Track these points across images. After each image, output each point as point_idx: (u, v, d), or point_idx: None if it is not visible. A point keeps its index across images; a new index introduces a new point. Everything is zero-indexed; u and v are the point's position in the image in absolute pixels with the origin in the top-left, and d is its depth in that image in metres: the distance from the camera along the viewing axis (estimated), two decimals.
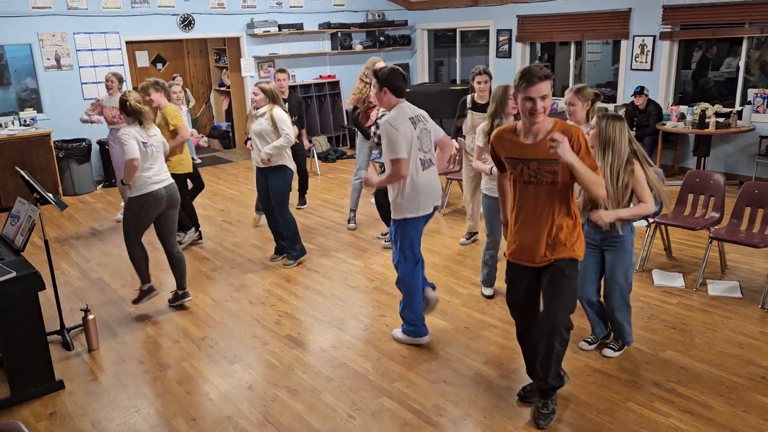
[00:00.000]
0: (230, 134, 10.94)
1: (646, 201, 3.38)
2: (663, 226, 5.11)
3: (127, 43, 8.88)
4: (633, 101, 7.56)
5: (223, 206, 7.33)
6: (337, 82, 10.46)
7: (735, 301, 4.35)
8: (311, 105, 10.25)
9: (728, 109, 7.25)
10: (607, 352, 3.70)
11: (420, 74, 11.38)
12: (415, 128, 3.59)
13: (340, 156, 9.87)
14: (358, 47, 10.66)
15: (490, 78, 5.28)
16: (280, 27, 9.74)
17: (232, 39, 9.92)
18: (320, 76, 10.42)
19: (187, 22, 9.11)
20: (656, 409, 3.17)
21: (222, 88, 11.18)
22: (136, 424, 3.22)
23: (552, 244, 2.89)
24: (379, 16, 10.81)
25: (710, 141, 7.41)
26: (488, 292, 4.57)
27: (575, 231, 2.92)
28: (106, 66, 8.59)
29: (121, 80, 6.66)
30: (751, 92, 7.30)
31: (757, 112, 7.17)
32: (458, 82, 10.36)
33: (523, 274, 3.03)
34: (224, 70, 10.95)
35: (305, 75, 10.31)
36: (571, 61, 9.35)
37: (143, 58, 10.70)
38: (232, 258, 5.62)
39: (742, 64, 7.47)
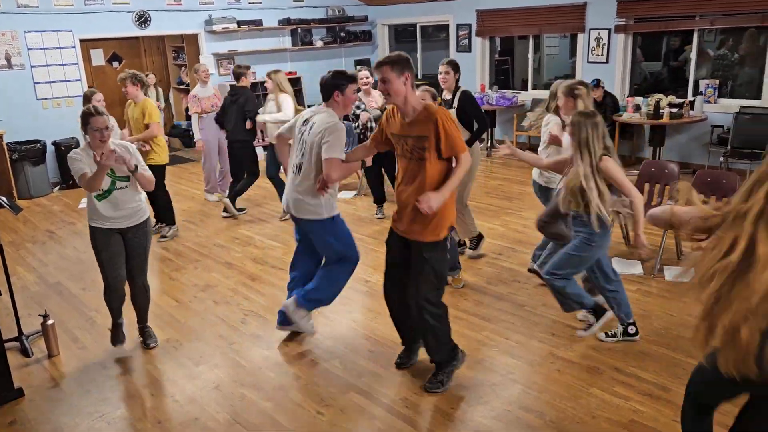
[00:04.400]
0: (191, 133, 10.76)
1: (631, 193, 3.37)
2: (621, 215, 5.23)
3: (81, 41, 8.67)
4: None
5: (185, 206, 7.22)
6: (299, 79, 10.39)
7: (690, 285, 4.48)
8: None
9: (681, 100, 7.46)
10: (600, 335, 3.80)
11: None
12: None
13: None
14: (319, 43, 10.61)
15: (454, 70, 5.02)
16: (239, 23, 9.63)
17: (190, 36, 9.77)
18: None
19: (143, 20, 8.94)
20: (617, 393, 3.26)
21: (181, 87, 10.99)
22: (100, 429, 3.17)
23: (412, 220, 3.14)
24: (339, 11, 10.78)
25: (665, 131, 7.62)
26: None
27: (452, 212, 3.15)
28: (60, 65, 8.37)
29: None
30: (702, 83, 7.53)
31: (708, 102, 7.40)
32: (420, 77, 10.41)
33: (394, 237, 3.33)
34: (183, 68, 10.77)
35: (264, 73, 10.19)
36: (530, 55, 9.49)
37: (98, 57, 10.44)
38: (196, 258, 5.55)
39: (693, 55, 7.69)
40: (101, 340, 4.10)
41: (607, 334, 3.78)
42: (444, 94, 5.14)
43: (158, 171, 5.50)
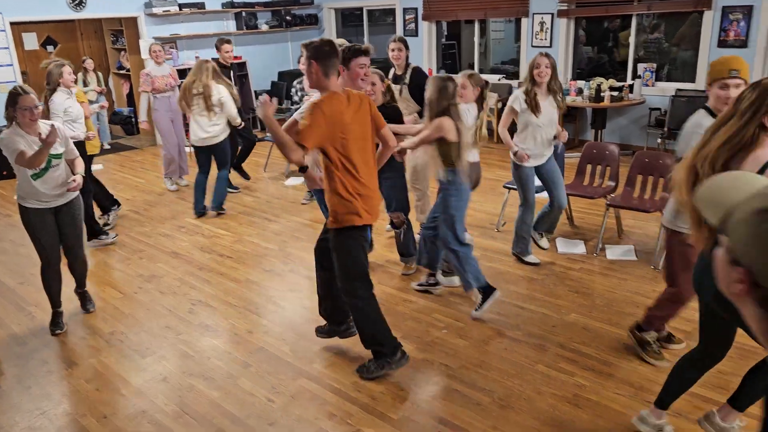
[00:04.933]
0: (133, 120, 10.44)
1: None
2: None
3: (12, 24, 8.24)
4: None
5: (129, 195, 7.02)
6: (244, 63, 10.18)
7: (631, 263, 4.66)
8: None
9: (621, 84, 7.68)
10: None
11: None
12: None
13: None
14: (264, 27, 10.42)
15: (405, 47, 5.14)
16: (181, 6, 9.35)
17: (128, 19, 9.43)
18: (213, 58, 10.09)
19: (78, 2, 8.57)
20: (562, 369, 3.36)
21: (121, 72, 10.63)
22: (41, 426, 3.07)
23: (328, 208, 3.20)
24: None
25: (606, 114, 7.83)
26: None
27: (342, 201, 3.11)
28: None
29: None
30: (641, 66, 7.76)
31: (647, 85, 7.64)
32: None
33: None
34: (122, 53, 10.40)
35: (210, 56, 9.93)
36: (476, 39, 9.57)
37: (31, 41, 9.98)
38: (140, 248, 5.41)
39: (632, 40, 7.91)
40: (42, 335, 3.96)
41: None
42: (395, 70, 5.19)
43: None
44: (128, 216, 6.27)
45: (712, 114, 3.06)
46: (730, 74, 2.91)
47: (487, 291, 3.92)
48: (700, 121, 3.00)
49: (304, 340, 3.78)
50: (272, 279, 4.68)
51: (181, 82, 7.17)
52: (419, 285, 4.35)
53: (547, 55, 4.35)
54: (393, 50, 5.13)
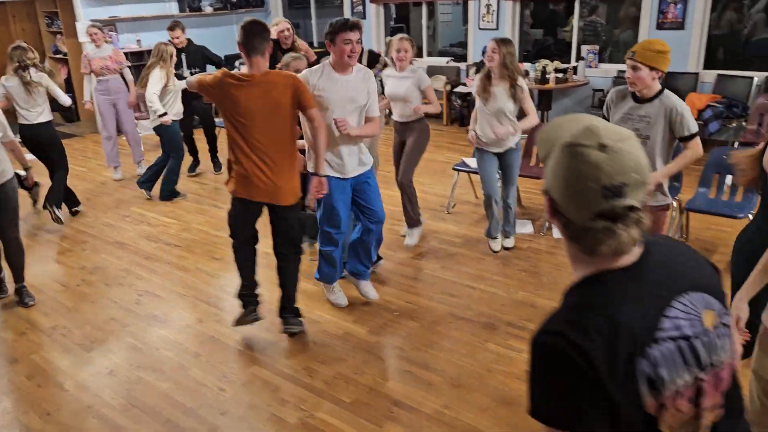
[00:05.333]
0: (72, 106, 10.02)
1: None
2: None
3: None
4: (483, 60, 7.90)
5: (70, 184, 6.75)
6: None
7: None
8: None
9: (565, 65, 7.82)
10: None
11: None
12: None
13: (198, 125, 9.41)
14: (208, 9, 10.15)
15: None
16: None
17: (63, 1, 9.01)
18: (169, 41, 9.79)
19: None
20: (511, 346, 3.43)
21: (58, 56, 10.17)
22: None
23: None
24: None
25: (551, 96, 7.97)
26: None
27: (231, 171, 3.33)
28: None
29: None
30: (584, 48, 7.91)
31: (590, 67, 7.80)
32: (315, 45, 10.23)
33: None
34: (58, 36, 9.96)
35: (152, 40, 9.56)
36: (424, 22, 9.56)
37: None
38: (83, 240, 5.23)
39: (575, 22, 8.05)
40: None
41: None
42: None
43: None
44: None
45: (633, 93, 3.19)
46: (629, 56, 3.07)
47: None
48: (614, 94, 3.30)
49: (256, 327, 3.73)
50: (222, 267, 4.60)
51: (130, 64, 6.94)
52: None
53: (498, 41, 4.18)
54: None
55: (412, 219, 4.74)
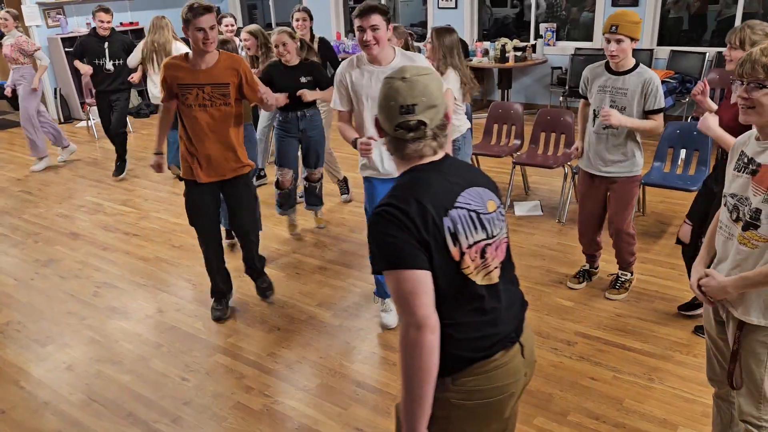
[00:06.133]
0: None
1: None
2: (473, 156, 5.48)
3: None
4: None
5: (19, 174, 6.53)
6: (142, 30, 9.61)
7: (537, 218, 4.84)
8: None
9: (524, 44, 7.85)
10: None
11: None
12: None
13: (154, 110, 9.19)
14: None
15: (310, 17, 5.02)
16: None
17: None
18: (120, 24, 9.50)
19: None
20: None
21: (22, 35, 9.75)
22: None
23: (236, 159, 3.37)
24: None
25: (511, 74, 8.00)
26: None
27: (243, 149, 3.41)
28: None
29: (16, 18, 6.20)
30: (542, 27, 7.95)
31: (548, 45, 7.85)
32: (273, 26, 10.04)
33: (210, 187, 3.40)
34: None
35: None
36: (383, 1, 9.46)
37: None
38: (35, 231, 5.07)
39: (533, 1, 8.08)
40: None
41: None
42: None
43: None
44: (20, 197, 5.85)
45: (608, 67, 3.27)
46: (611, 29, 3.12)
47: None
48: (590, 69, 3.41)
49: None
50: (182, 255, 4.52)
51: (36, 49, 6.37)
52: None
53: (435, 31, 3.92)
54: (297, 20, 4.96)
55: None
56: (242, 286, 3.98)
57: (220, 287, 3.65)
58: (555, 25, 7.91)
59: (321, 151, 4.52)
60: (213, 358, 3.28)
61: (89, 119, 8.30)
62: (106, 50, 6.05)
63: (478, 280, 1.53)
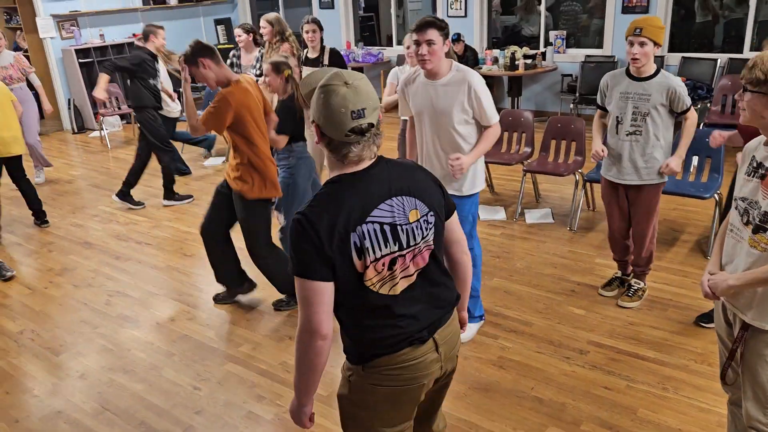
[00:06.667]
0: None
1: None
2: (485, 165, 5.47)
3: None
4: (452, 48, 7.89)
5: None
6: None
7: (548, 226, 4.82)
8: None
9: (534, 51, 7.84)
10: None
11: None
12: None
13: None
14: (173, 1, 9.95)
15: (320, 28, 5.08)
16: None
17: None
18: (133, 35, 9.60)
19: None
20: (486, 332, 3.45)
21: (19, 53, 9.89)
22: None
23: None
24: None
25: (521, 82, 8.00)
26: None
27: (240, 167, 3.41)
28: None
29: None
30: (552, 34, 7.95)
31: (558, 52, 7.84)
32: None
33: (222, 194, 3.60)
34: (18, 32, 9.69)
35: (115, 34, 9.45)
36: (393, 11, 9.51)
37: None
38: (50, 240, 5.12)
39: (542, 8, 8.08)
40: None
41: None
42: (308, 53, 5.08)
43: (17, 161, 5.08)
44: None
45: (629, 73, 3.26)
46: (635, 32, 3.11)
47: None
48: (609, 76, 3.40)
49: (230, 323, 3.70)
50: (194, 264, 4.54)
51: (33, 69, 6.38)
52: None
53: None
54: (307, 32, 5.03)
55: None
56: (253, 295, 3.98)
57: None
58: (565, 32, 7.90)
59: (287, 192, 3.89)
60: (225, 367, 3.29)
61: (102, 129, 8.38)
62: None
63: (382, 290, 1.63)
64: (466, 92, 3.00)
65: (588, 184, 4.95)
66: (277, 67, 3.67)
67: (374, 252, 1.58)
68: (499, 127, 3.14)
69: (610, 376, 3.01)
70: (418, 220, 1.65)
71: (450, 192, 2.92)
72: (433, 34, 2.89)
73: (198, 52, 3.29)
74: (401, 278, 1.65)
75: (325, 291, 1.56)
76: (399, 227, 1.62)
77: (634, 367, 3.07)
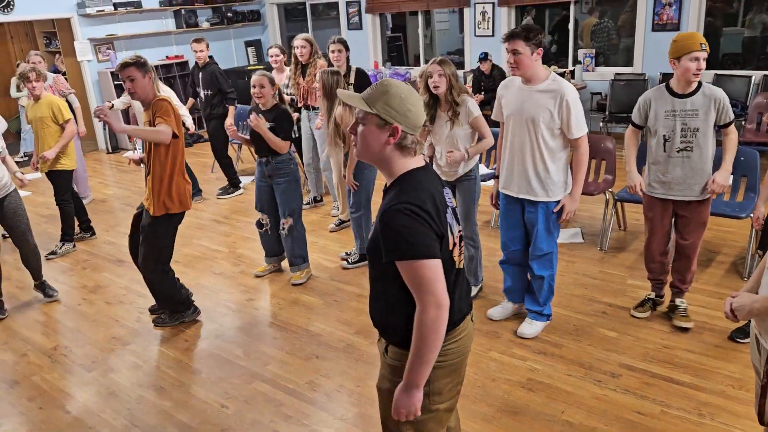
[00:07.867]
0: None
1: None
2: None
3: None
4: (479, 67, 7.91)
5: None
6: (186, 62, 9.94)
7: (578, 246, 4.75)
8: None
9: (563, 69, 7.81)
10: None
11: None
12: None
13: (197, 140, 9.45)
14: (205, 24, 10.19)
15: (346, 48, 5.19)
16: (116, 5, 9.05)
17: (62, 20, 9.06)
18: (167, 57, 9.86)
19: (5, 3, 8.19)
20: (515, 354, 3.40)
21: (59, 75, 10.21)
22: None
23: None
24: None
25: None
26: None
27: (163, 185, 3.65)
28: None
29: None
30: (581, 53, 7.91)
31: (587, 70, 7.80)
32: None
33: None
34: (57, 56, 10.01)
35: (150, 56, 9.63)
36: (420, 31, 9.58)
37: None
38: (84, 258, 5.22)
39: (571, 27, 8.05)
40: None
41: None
42: None
43: (66, 177, 5.21)
44: None
45: (670, 90, 3.21)
46: (701, 47, 3.09)
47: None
48: (651, 95, 3.35)
49: (257, 341, 3.71)
50: (222, 282, 4.58)
51: (74, 91, 6.56)
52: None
53: (441, 62, 3.51)
54: (333, 52, 5.13)
55: None
56: (280, 313, 4.00)
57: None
58: (594, 50, 7.86)
59: (289, 199, 4.25)
60: (252, 385, 3.30)
61: (135, 149, 8.56)
62: (200, 79, 6.38)
63: (458, 264, 1.88)
64: (558, 102, 3.16)
65: (619, 204, 4.87)
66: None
67: (455, 230, 1.83)
68: (587, 147, 3.32)
69: (643, 401, 2.94)
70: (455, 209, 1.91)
71: (538, 198, 3.37)
72: (518, 44, 3.09)
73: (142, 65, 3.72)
74: (460, 255, 1.91)
75: (441, 266, 1.72)
76: (456, 210, 1.90)
77: (668, 392, 2.99)
